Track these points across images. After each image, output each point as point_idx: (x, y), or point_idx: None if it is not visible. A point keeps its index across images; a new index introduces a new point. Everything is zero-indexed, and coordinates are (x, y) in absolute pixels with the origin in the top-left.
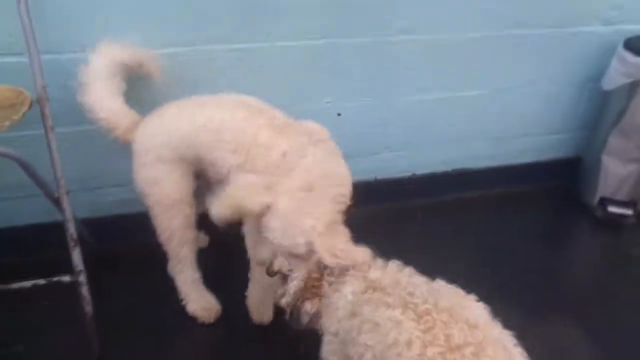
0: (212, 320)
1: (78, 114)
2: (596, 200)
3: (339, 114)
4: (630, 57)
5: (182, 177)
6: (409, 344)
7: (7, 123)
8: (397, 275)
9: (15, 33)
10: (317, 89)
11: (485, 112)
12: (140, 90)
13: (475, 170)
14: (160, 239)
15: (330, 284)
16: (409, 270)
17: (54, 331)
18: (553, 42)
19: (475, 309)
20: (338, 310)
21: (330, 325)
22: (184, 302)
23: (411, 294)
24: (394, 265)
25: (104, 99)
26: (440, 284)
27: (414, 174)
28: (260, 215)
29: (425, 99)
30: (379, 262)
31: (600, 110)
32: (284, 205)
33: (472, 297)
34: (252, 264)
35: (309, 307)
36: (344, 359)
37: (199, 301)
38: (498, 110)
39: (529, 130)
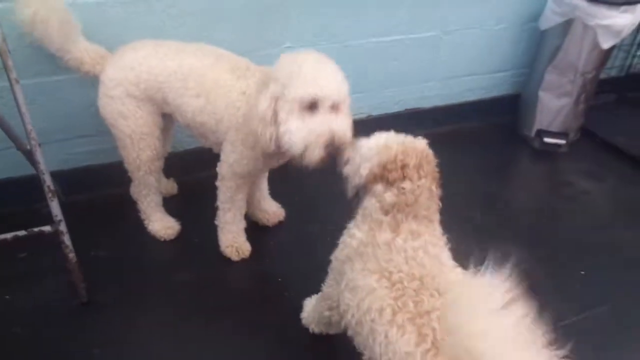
0: (172, 237)
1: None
2: (534, 132)
3: None
4: None
5: (150, 114)
6: (380, 311)
7: None
8: (391, 237)
9: None
10: (278, 35)
11: (435, 54)
12: (101, 36)
13: (426, 110)
14: (127, 167)
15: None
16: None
17: (39, 281)
18: None
19: (449, 276)
20: (344, 246)
21: (342, 239)
22: (145, 222)
23: (388, 261)
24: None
25: (63, 41)
26: (422, 254)
27: (369, 115)
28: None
29: (379, 41)
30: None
31: (537, 49)
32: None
33: (449, 264)
34: (224, 205)
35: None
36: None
37: (161, 221)
38: (447, 51)
39: (475, 70)
